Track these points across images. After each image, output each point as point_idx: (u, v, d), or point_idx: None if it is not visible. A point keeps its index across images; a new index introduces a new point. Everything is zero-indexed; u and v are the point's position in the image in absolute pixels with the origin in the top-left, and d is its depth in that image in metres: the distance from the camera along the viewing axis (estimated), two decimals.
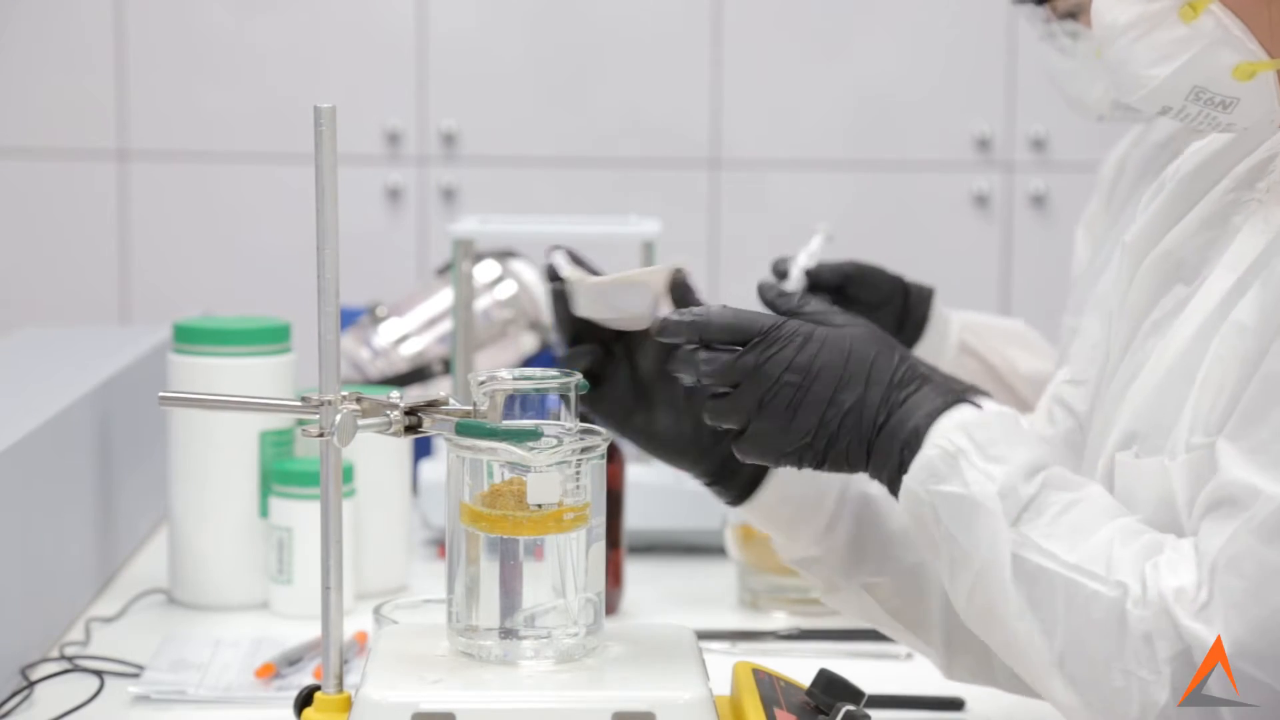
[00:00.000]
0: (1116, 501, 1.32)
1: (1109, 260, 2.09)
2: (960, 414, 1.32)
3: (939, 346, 2.19)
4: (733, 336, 1.34)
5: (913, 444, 1.32)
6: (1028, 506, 1.29)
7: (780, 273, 2.15)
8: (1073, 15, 2.01)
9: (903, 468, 1.32)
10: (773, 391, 1.33)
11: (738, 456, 1.37)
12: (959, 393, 1.35)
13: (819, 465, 1.34)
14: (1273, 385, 1.23)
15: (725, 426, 1.36)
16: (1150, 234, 1.41)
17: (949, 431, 1.31)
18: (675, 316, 1.36)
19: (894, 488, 1.33)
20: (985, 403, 1.34)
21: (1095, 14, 1.33)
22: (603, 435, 1.35)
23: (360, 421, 1.31)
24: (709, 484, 1.48)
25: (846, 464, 1.34)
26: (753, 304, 1.48)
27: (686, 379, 1.36)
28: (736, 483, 1.47)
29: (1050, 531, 1.28)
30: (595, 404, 1.46)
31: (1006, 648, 1.31)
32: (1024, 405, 2.08)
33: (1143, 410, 1.35)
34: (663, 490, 2.21)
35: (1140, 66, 1.31)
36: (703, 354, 1.34)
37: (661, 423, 1.45)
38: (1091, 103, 2.03)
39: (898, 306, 2.19)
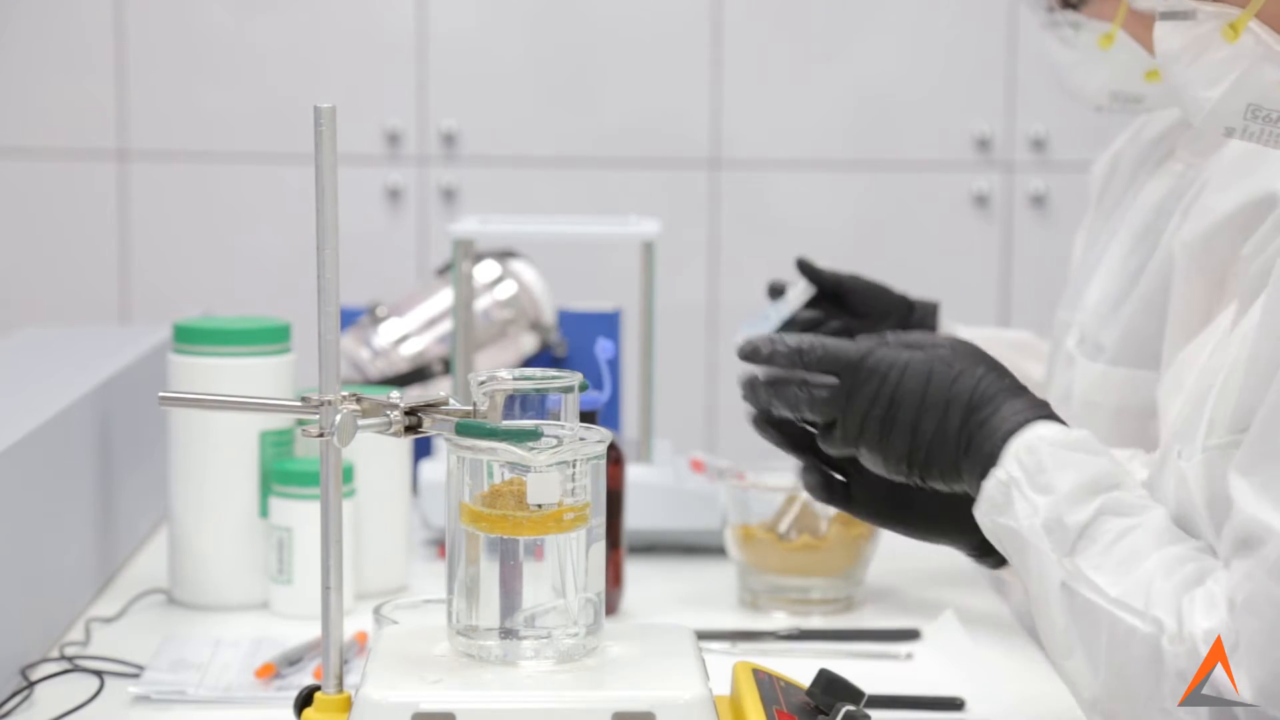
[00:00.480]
0: (1173, 526, 1.31)
1: (1101, 256, 2.09)
2: (1023, 438, 1.34)
3: None
4: (826, 367, 1.39)
5: (988, 470, 1.35)
6: (1082, 534, 1.30)
7: (777, 290, 2.16)
8: (1074, 5, 2.00)
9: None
10: (865, 425, 1.38)
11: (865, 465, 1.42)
12: (1036, 407, 1.37)
13: (924, 482, 1.39)
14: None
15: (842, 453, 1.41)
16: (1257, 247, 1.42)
17: (1007, 460, 1.34)
18: (771, 345, 1.40)
19: None
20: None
21: (1155, 41, 1.36)
22: (602, 435, 1.35)
23: (360, 421, 1.31)
24: (973, 556, 1.49)
25: (944, 483, 1.39)
26: (754, 309, 1.49)
27: (787, 414, 1.41)
28: (1001, 554, 1.48)
29: (1100, 563, 1.29)
30: (850, 504, 1.48)
31: (1062, 676, 1.33)
32: None
33: (1182, 413, 1.36)
34: (663, 490, 2.20)
35: (1197, 89, 1.32)
36: (801, 392, 1.39)
37: (917, 513, 1.47)
38: (1091, 93, 2.03)
39: (901, 320, 2.19)
